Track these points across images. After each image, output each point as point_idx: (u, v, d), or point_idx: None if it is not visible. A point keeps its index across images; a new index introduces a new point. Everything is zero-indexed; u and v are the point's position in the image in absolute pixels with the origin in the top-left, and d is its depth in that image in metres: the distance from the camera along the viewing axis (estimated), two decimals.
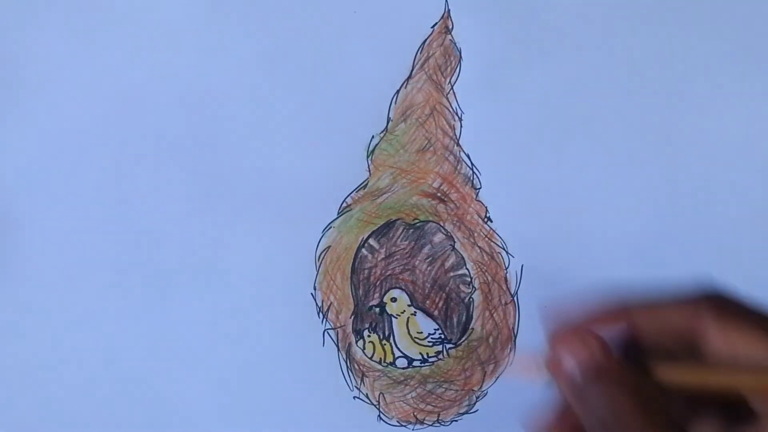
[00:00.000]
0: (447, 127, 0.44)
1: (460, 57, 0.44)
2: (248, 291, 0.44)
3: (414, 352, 0.44)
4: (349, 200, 0.44)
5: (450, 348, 0.44)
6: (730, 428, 0.31)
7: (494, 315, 0.44)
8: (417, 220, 0.44)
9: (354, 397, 0.44)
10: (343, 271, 0.44)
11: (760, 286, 0.43)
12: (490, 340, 0.44)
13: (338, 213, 0.44)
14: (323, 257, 0.44)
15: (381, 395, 0.44)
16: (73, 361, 0.44)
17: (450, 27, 0.44)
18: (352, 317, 0.44)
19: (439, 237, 0.44)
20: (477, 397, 0.44)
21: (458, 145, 0.44)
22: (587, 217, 0.44)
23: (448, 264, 0.44)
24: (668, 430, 0.29)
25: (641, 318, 0.32)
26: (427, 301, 0.44)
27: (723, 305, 0.32)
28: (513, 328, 0.44)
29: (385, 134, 0.44)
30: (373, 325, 0.44)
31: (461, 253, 0.44)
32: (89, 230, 0.44)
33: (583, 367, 0.30)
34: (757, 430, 0.31)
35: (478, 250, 0.44)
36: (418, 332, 0.44)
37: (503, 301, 0.44)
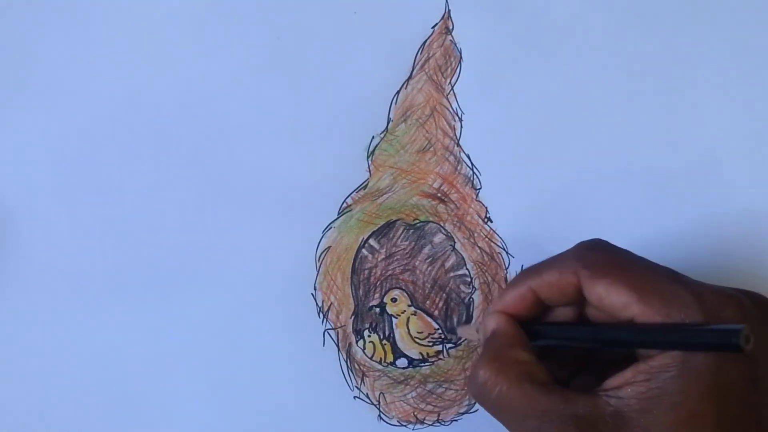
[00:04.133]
0: (447, 127, 0.44)
1: (461, 57, 0.44)
2: (248, 291, 0.44)
3: (414, 352, 0.44)
4: (349, 200, 0.44)
5: (450, 348, 0.44)
6: (603, 380, 0.35)
7: None
8: (417, 221, 0.44)
9: (354, 397, 0.44)
10: (344, 271, 0.44)
11: (761, 286, 0.44)
12: None
13: (338, 213, 0.44)
14: (323, 257, 0.44)
15: (381, 395, 0.44)
16: (72, 361, 0.44)
17: (450, 27, 0.44)
18: (353, 317, 0.44)
19: (439, 237, 0.44)
20: None
21: (458, 145, 0.44)
22: (587, 217, 0.44)
23: (448, 264, 0.44)
24: (518, 383, 0.35)
25: (540, 289, 0.36)
26: (428, 302, 0.44)
27: (593, 262, 0.35)
28: None
29: (385, 135, 0.44)
30: (374, 325, 0.44)
31: (461, 253, 0.44)
32: (89, 230, 0.44)
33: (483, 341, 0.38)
34: (620, 381, 0.34)
35: (479, 251, 0.44)
36: (418, 332, 0.44)
37: None
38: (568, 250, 0.37)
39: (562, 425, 0.34)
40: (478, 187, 0.44)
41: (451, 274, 0.44)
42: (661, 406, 0.33)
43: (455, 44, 0.44)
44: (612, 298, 0.34)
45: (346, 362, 0.44)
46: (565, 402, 0.34)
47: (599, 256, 0.36)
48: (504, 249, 0.44)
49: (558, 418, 0.34)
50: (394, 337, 0.44)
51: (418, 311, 0.44)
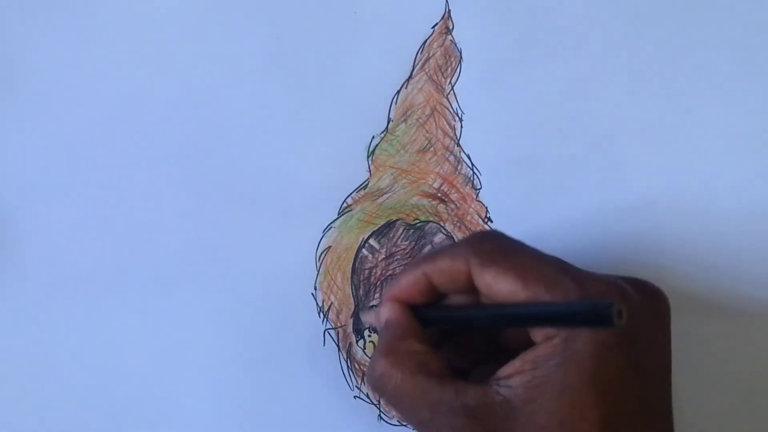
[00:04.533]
0: (447, 127, 0.44)
1: (461, 57, 0.44)
2: (248, 291, 0.44)
3: None
4: (349, 200, 0.44)
5: None
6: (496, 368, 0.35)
7: None
8: (417, 221, 0.44)
9: (354, 397, 0.44)
10: (344, 271, 0.44)
11: (761, 286, 0.44)
12: None
13: (339, 213, 0.44)
14: (324, 257, 0.44)
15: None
16: (72, 360, 0.44)
17: (450, 27, 0.44)
18: (353, 317, 0.44)
19: (439, 237, 0.44)
20: None
21: (458, 145, 0.44)
22: (587, 217, 0.44)
23: None
24: (411, 374, 0.35)
25: (432, 275, 0.37)
26: None
27: (482, 251, 0.36)
28: None
29: (385, 134, 0.44)
30: (374, 325, 0.44)
31: None
32: (90, 230, 0.44)
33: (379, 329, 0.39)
34: (510, 371, 0.35)
35: None
36: None
37: None
38: (461, 239, 0.38)
39: (452, 415, 0.34)
40: (479, 187, 0.44)
41: None
42: (545, 394, 0.33)
43: (455, 44, 0.44)
44: (499, 286, 0.35)
45: (347, 362, 0.44)
46: (456, 392, 0.35)
47: (489, 246, 0.36)
48: None
49: (448, 408, 0.34)
50: None
51: None
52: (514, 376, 0.34)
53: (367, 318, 0.43)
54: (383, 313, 0.39)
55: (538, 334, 0.35)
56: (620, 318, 0.31)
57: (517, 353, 0.35)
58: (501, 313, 0.36)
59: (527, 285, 0.34)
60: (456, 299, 0.38)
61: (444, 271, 0.37)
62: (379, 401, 0.44)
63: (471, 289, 0.37)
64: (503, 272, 0.35)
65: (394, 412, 0.42)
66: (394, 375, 0.36)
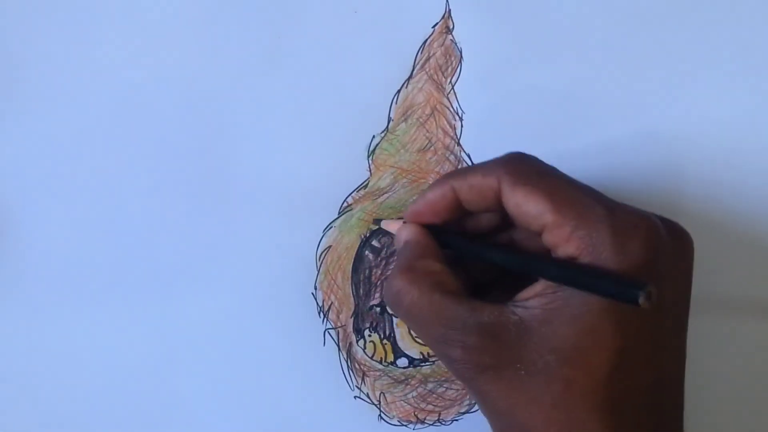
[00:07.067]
0: (448, 127, 0.44)
1: (461, 57, 0.44)
2: (249, 291, 0.44)
3: (415, 351, 0.44)
4: (349, 200, 0.44)
5: None
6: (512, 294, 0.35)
7: None
8: None
9: (355, 397, 0.44)
10: (344, 270, 0.44)
11: (760, 287, 0.44)
12: None
13: (339, 213, 0.44)
14: (324, 257, 0.44)
15: (382, 395, 0.44)
16: (72, 360, 0.44)
17: (451, 27, 0.44)
18: (353, 317, 0.44)
19: None
20: None
21: (459, 144, 0.44)
22: None
23: None
24: (429, 292, 0.35)
25: (461, 190, 0.37)
26: None
27: (516, 170, 0.36)
28: None
29: (385, 134, 0.44)
30: (374, 324, 0.44)
31: None
32: (90, 230, 0.44)
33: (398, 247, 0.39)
34: (530, 294, 0.34)
35: None
36: None
37: None
38: (495, 158, 0.37)
39: (466, 332, 0.34)
40: None
41: None
42: (562, 317, 0.33)
43: (456, 44, 0.44)
44: (529, 206, 0.35)
45: (347, 362, 0.44)
46: (471, 310, 0.35)
47: (523, 167, 0.36)
48: None
49: (462, 325, 0.34)
50: (394, 337, 0.44)
51: None
52: (533, 298, 0.34)
53: (389, 225, 0.42)
54: (403, 234, 0.39)
55: (562, 257, 0.35)
56: (648, 300, 0.31)
57: (534, 277, 0.35)
58: (525, 263, 0.35)
59: (556, 207, 0.34)
60: (480, 218, 0.38)
61: (474, 186, 0.37)
62: (379, 401, 0.44)
63: (498, 208, 0.36)
64: (534, 193, 0.35)
65: (410, 329, 0.42)
66: (412, 291, 0.36)
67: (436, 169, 0.44)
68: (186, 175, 0.44)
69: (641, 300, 0.31)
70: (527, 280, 0.35)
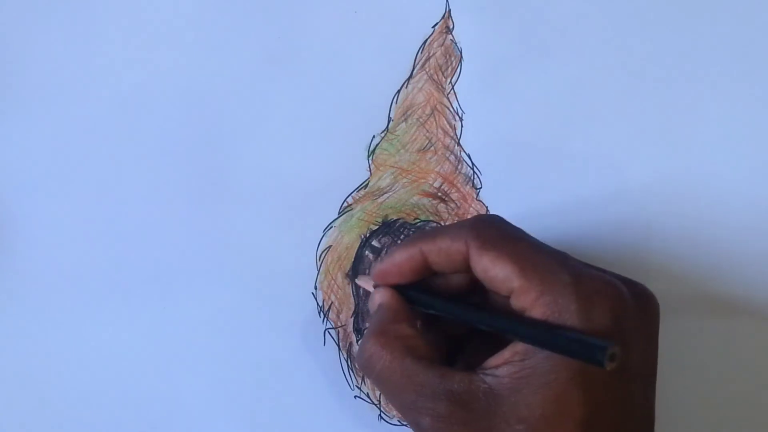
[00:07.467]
0: (448, 126, 0.44)
1: (461, 57, 0.44)
2: (249, 291, 0.44)
3: None
4: (350, 200, 0.44)
5: None
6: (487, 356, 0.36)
7: None
8: (418, 220, 0.44)
9: (355, 397, 0.44)
10: (344, 270, 0.44)
11: (761, 286, 0.44)
12: None
13: (339, 212, 0.44)
14: (324, 257, 0.44)
15: (382, 395, 0.44)
16: (72, 360, 0.44)
17: (451, 27, 0.44)
18: (353, 317, 0.44)
19: None
20: None
21: (459, 144, 0.44)
22: (587, 217, 0.44)
23: None
24: (400, 357, 0.36)
25: (430, 253, 0.37)
26: None
27: (483, 234, 0.36)
28: None
29: (385, 134, 0.44)
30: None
31: None
32: (90, 230, 0.44)
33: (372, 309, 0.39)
34: (499, 361, 0.35)
35: None
36: None
37: None
38: (463, 221, 0.38)
39: (436, 399, 0.35)
40: (479, 186, 0.44)
41: None
42: (531, 385, 0.34)
43: (456, 43, 0.44)
44: (496, 271, 0.35)
45: (347, 362, 0.44)
46: (442, 377, 0.35)
47: (490, 231, 0.37)
48: None
49: (432, 392, 0.35)
50: None
51: None
52: (503, 366, 0.34)
53: (364, 282, 0.43)
54: (377, 297, 0.39)
55: None
56: (612, 361, 0.31)
57: (503, 338, 0.35)
58: (493, 321, 0.36)
59: (523, 273, 0.34)
60: (449, 279, 0.39)
61: (442, 250, 0.37)
62: (379, 401, 0.44)
63: (466, 270, 0.37)
64: (501, 258, 0.35)
65: (384, 399, 0.42)
66: (383, 356, 0.36)
67: (436, 169, 0.44)
68: (186, 175, 0.44)
69: (606, 361, 0.31)
70: (498, 340, 0.36)
